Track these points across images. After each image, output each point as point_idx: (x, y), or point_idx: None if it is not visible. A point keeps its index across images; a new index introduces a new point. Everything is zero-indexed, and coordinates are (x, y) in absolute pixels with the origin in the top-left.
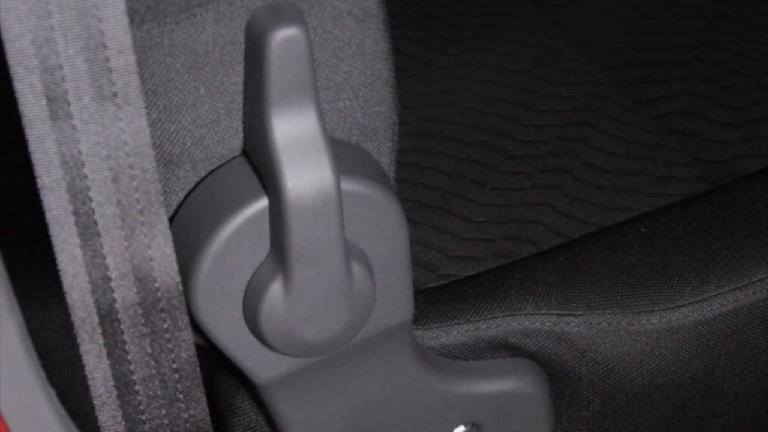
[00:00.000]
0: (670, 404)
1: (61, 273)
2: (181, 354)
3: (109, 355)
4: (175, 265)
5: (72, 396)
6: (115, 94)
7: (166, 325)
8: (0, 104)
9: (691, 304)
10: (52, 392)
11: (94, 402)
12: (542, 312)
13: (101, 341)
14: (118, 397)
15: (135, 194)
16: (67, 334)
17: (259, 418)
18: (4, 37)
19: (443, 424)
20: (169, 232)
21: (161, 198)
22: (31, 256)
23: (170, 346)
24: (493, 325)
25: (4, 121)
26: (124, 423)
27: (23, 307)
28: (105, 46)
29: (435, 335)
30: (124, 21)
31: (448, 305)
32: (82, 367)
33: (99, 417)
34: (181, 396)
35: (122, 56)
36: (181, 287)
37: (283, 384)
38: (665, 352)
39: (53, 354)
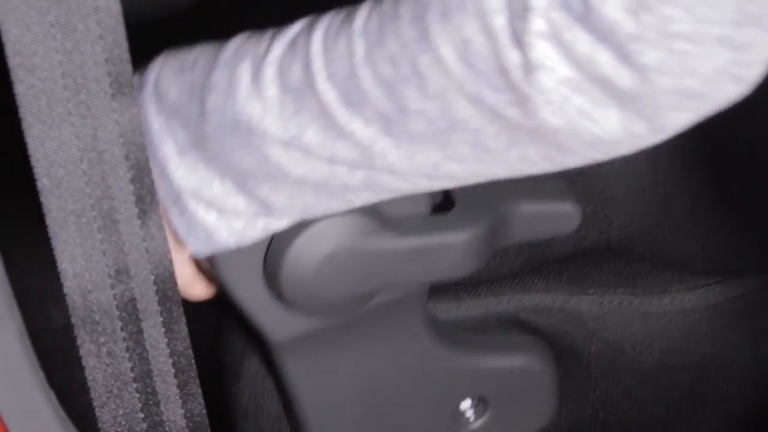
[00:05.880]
0: (678, 387)
1: (62, 274)
2: (178, 347)
3: (109, 354)
4: (169, 255)
5: (71, 397)
6: (109, 85)
7: (162, 318)
8: None
9: (704, 286)
10: (52, 393)
11: (94, 403)
12: (554, 289)
13: (101, 340)
14: (118, 396)
15: (130, 186)
16: (66, 335)
17: (267, 383)
18: (4, 39)
19: (451, 396)
20: (162, 222)
21: (154, 188)
22: (31, 257)
23: (167, 339)
24: (505, 301)
25: (1, 123)
26: (124, 422)
27: (22, 309)
28: (101, 38)
29: (447, 308)
30: (117, 9)
31: (461, 279)
32: (82, 368)
33: (99, 417)
34: (178, 391)
35: (116, 47)
36: (175, 276)
37: (297, 345)
38: (676, 333)
39: (52, 355)
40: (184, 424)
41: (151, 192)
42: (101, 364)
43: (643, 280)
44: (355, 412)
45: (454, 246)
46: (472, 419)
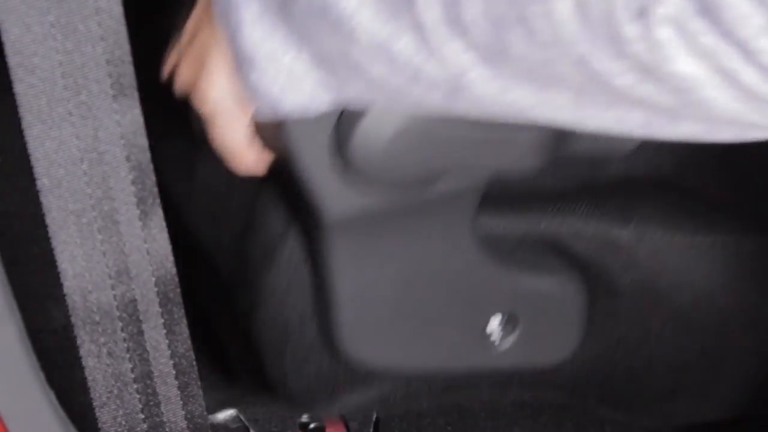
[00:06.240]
0: (709, 330)
1: (62, 274)
2: (179, 348)
3: (109, 354)
4: (170, 257)
5: (71, 397)
6: (110, 86)
7: (163, 320)
8: None
9: (752, 230)
10: (52, 394)
11: (94, 403)
12: (597, 216)
13: (101, 341)
14: (118, 396)
15: (131, 187)
16: (66, 335)
17: (300, 273)
18: (4, 38)
19: (483, 309)
20: (164, 223)
21: (156, 189)
22: (31, 257)
23: (168, 341)
24: (546, 221)
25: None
26: (124, 423)
27: (22, 309)
28: (102, 39)
29: (491, 222)
30: (119, 10)
31: (509, 192)
32: (82, 368)
33: (99, 417)
34: (179, 392)
35: (117, 48)
36: (177, 279)
37: (347, 228)
38: (715, 275)
39: (52, 355)
40: (184, 426)
41: (153, 193)
42: (101, 364)
43: (690, 216)
44: (388, 313)
45: (522, 139)
46: (497, 341)
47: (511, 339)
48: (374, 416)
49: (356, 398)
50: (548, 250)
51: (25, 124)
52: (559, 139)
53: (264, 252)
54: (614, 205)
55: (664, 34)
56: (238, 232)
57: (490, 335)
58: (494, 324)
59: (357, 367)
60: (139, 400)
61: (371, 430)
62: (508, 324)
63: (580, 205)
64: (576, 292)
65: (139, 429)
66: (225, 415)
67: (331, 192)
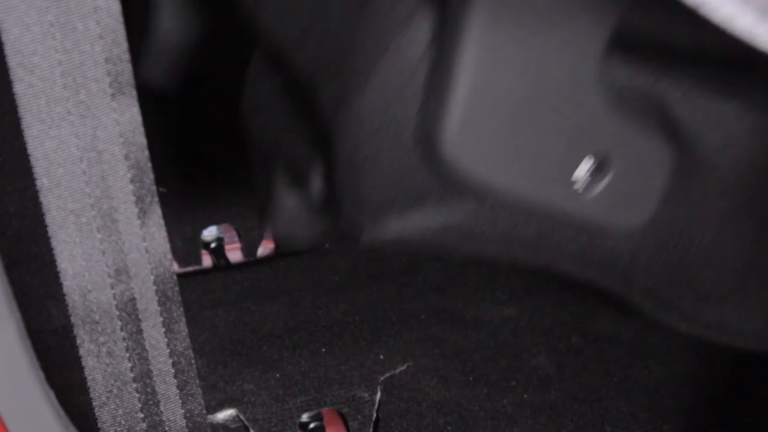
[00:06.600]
0: None
1: (61, 273)
2: (178, 347)
3: (109, 353)
4: (169, 254)
5: (71, 397)
6: (109, 85)
7: (161, 319)
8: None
9: None
10: (52, 393)
11: (94, 402)
12: (706, 84)
13: (101, 340)
14: (118, 396)
15: (130, 185)
16: (66, 335)
17: (419, 55)
18: (4, 38)
19: (584, 142)
20: (162, 221)
21: (154, 187)
22: (31, 257)
23: (167, 339)
24: (654, 80)
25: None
26: (123, 422)
27: (22, 309)
28: (101, 37)
29: (610, 66)
30: (117, 8)
31: (635, 41)
32: (81, 368)
33: (98, 417)
34: (178, 391)
35: (116, 47)
36: (175, 277)
37: (493, 6)
38: None
39: (52, 355)
40: (183, 424)
41: (151, 192)
42: (101, 363)
43: None
44: (497, 119)
45: None
46: (581, 189)
47: (598, 186)
48: (374, 416)
49: (422, 219)
50: (653, 108)
51: (24, 123)
52: None
53: (383, 33)
54: (724, 79)
55: None
56: (343, 18)
57: (575, 182)
58: (583, 170)
59: (447, 171)
60: (139, 399)
61: (371, 430)
62: (598, 171)
63: (693, 70)
64: (668, 155)
65: (138, 428)
66: (225, 415)
67: None
